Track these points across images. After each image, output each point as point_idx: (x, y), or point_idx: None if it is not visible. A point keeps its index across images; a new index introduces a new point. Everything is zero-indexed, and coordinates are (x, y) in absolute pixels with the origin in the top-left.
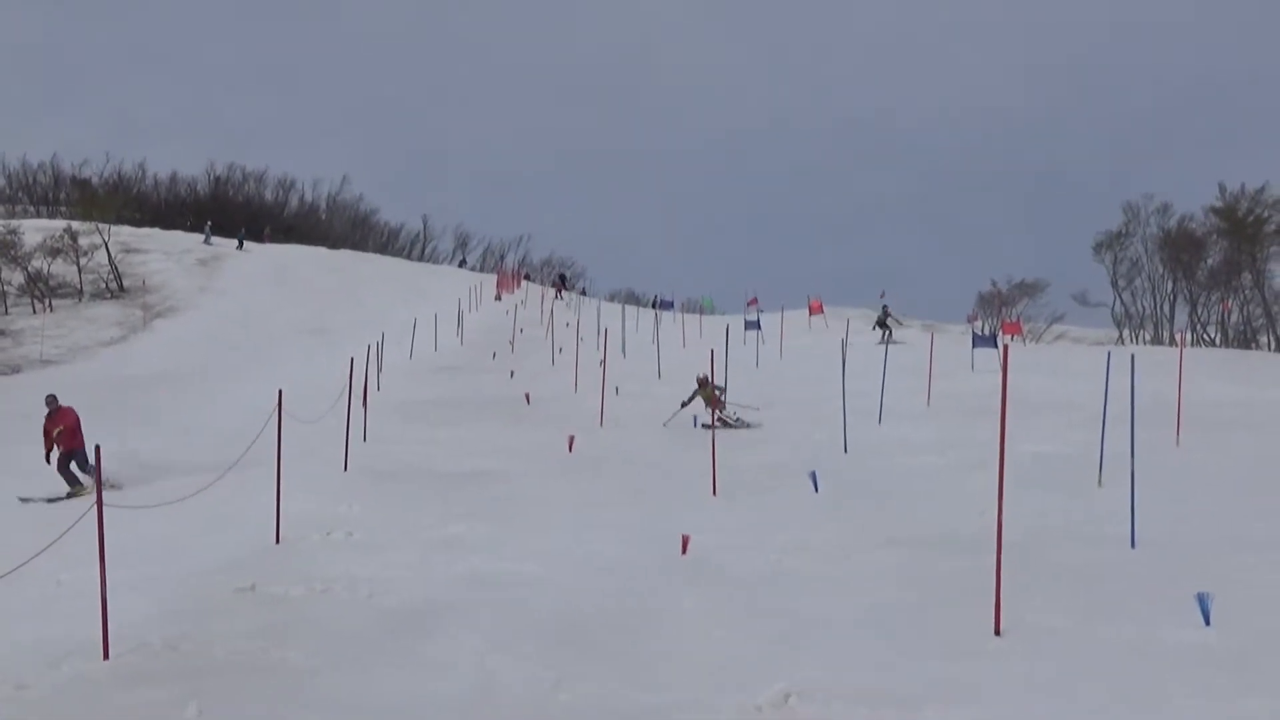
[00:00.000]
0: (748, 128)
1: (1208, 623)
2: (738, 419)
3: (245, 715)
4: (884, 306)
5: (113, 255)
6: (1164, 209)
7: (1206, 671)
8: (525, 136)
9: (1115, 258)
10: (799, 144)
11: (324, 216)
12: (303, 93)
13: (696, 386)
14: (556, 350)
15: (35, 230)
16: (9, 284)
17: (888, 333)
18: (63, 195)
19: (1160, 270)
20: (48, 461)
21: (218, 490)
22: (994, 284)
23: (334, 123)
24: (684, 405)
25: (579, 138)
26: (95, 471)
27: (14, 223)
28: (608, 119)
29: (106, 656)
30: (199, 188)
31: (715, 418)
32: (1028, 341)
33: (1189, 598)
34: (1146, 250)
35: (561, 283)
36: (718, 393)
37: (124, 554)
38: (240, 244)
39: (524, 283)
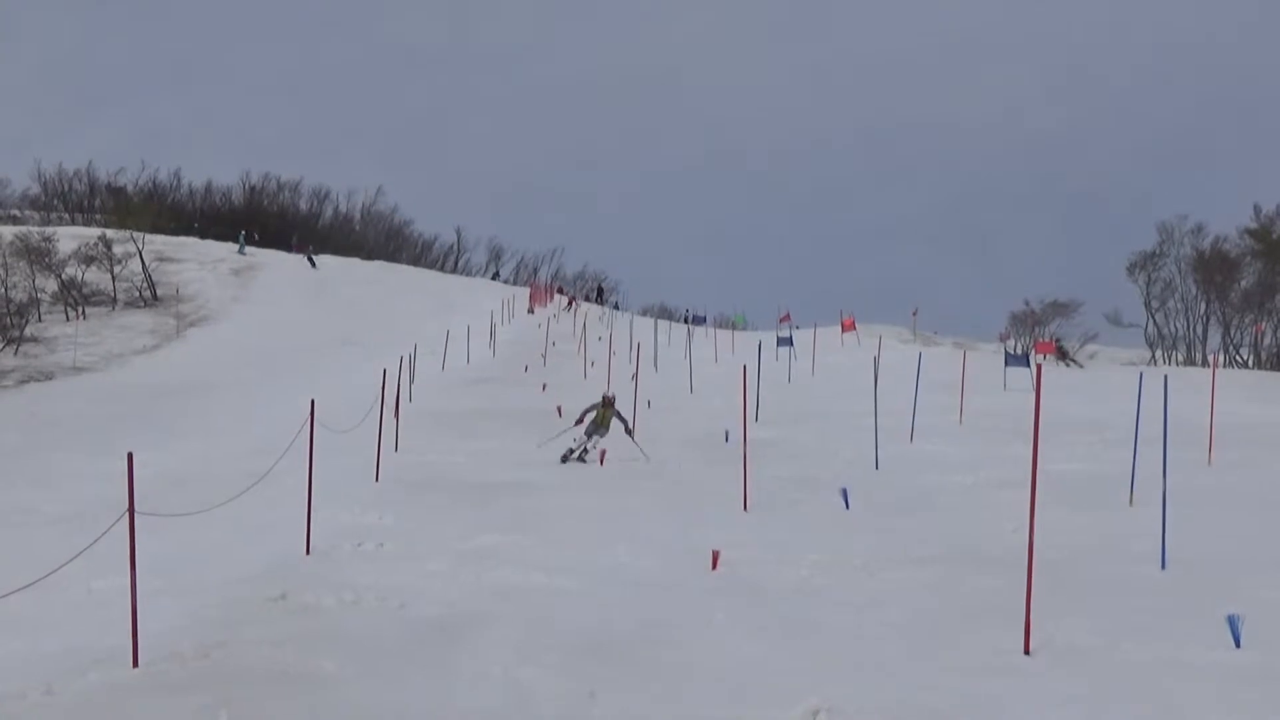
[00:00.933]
0: (780, 143)
1: (1238, 644)
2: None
3: None
4: (1056, 340)
5: (146, 264)
6: (1198, 230)
7: (1237, 692)
8: (559, 150)
9: (1149, 278)
10: (831, 160)
11: (358, 227)
12: (338, 104)
13: (600, 403)
14: (589, 364)
15: (70, 238)
16: (43, 291)
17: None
18: (98, 203)
19: (1194, 291)
20: None
21: (249, 500)
22: (1027, 303)
23: (369, 134)
24: (577, 423)
25: (613, 152)
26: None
27: (49, 230)
28: (642, 134)
29: (136, 664)
30: (234, 197)
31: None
32: (1059, 362)
33: (1220, 618)
34: (1180, 271)
35: (599, 295)
36: (620, 421)
37: (155, 562)
38: (312, 263)
39: (557, 296)
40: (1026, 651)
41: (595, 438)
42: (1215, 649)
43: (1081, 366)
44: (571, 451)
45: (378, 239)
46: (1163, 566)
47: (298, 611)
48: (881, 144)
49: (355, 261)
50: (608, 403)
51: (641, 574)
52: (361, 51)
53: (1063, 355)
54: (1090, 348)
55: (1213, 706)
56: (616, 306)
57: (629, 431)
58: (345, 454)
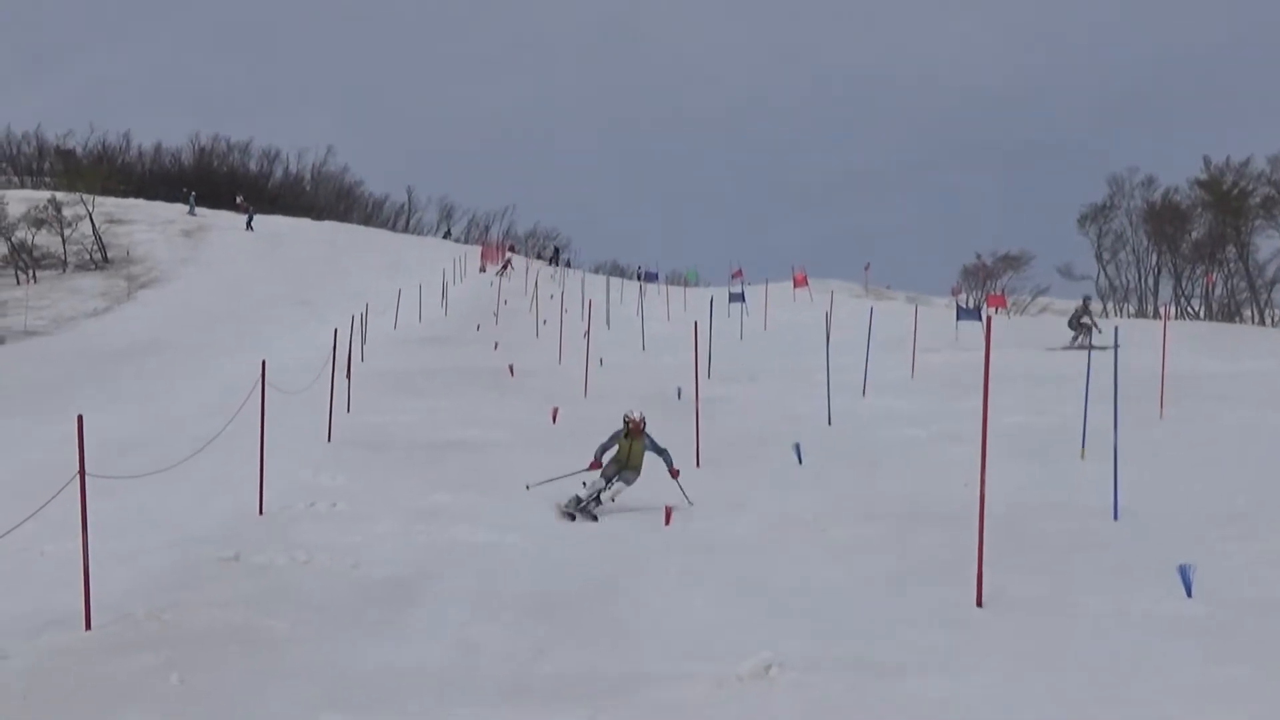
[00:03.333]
0: (733, 97)
1: (1189, 594)
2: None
3: (227, 683)
4: (1085, 299)
5: (97, 226)
6: (1149, 182)
7: (1188, 642)
8: (510, 107)
9: (1100, 230)
10: (783, 115)
11: (309, 188)
12: (288, 62)
13: (620, 431)
14: (541, 322)
15: (19, 201)
16: None
17: (1082, 335)
18: (47, 166)
19: (1144, 243)
20: None
21: (201, 461)
22: (978, 257)
23: (319, 93)
24: (592, 465)
25: (564, 109)
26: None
27: None
28: (593, 90)
29: (89, 626)
30: (183, 158)
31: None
32: (1011, 314)
33: (1171, 569)
34: (1131, 223)
35: (555, 257)
36: (657, 453)
37: (108, 525)
38: (249, 224)
39: (509, 254)
40: (979, 605)
41: (617, 483)
42: (1166, 600)
43: (1091, 344)
44: (580, 500)
45: (328, 199)
46: (1115, 519)
47: (250, 572)
48: (835, 98)
49: (305, 222)
50: (633, 429)
51: (594, 531)
52: (313, 8)
53: (1077, 323)
54: (1041, 300)
55: (1164, 655)
56: (569, 264)
57: (671, 471)
58: (297, 414)
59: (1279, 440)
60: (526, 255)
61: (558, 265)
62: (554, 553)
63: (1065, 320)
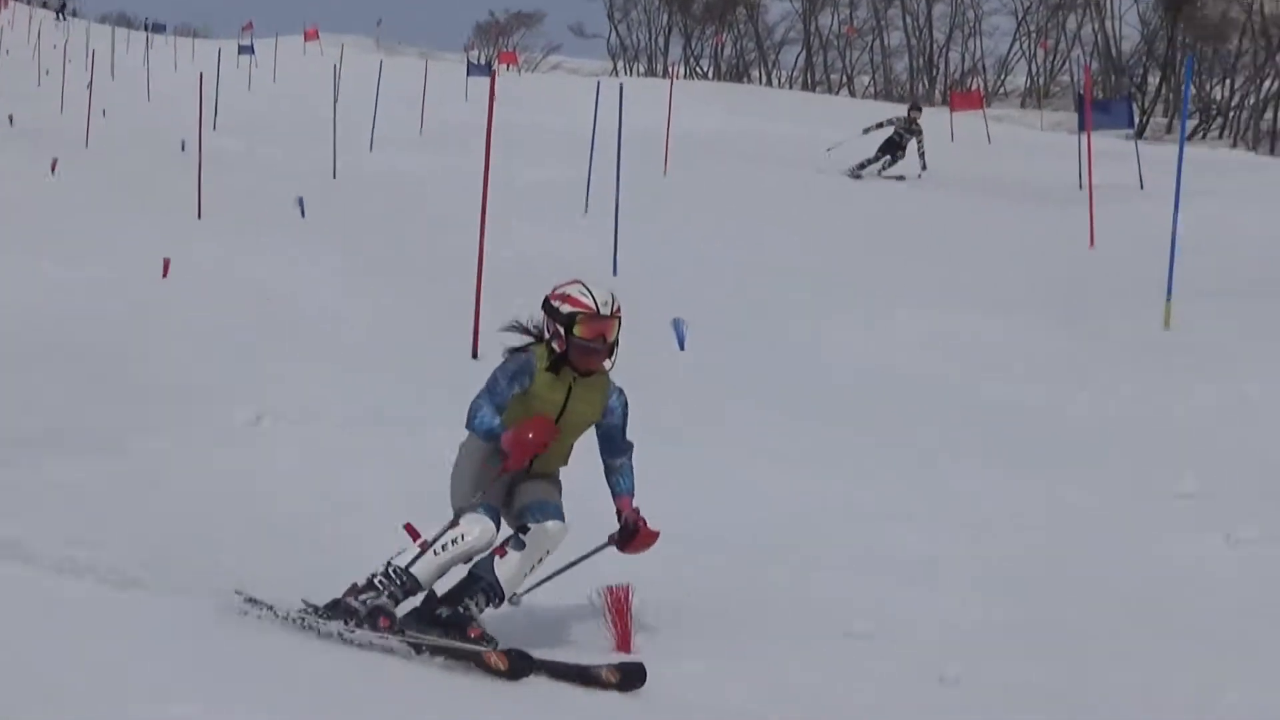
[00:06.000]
0: None
1: (682, 347)
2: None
3: None
4: (914, 107)
5: None
6: None
7: (681, 390)
8: None
9: None
10: None
11: None
12: None
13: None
14: (43, 72)
15: None
16: None
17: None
18: None
19: (656, 3)
20: None
21: None
22: (492, 14)
23: None
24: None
25: None
26: None
27: None
28: None
29: None
30: None
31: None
32: (523, 71)
33: (666, 323)
34: None
35: (62, 8)
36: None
37: None
38: None
39: (12, 3)
40: (474, 356)
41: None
42: (660, 352)
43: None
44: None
45: None
46: (615, 273)
47: None
48: None
49: None
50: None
51: (92, 280)
52: None
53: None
54: (553, 58)
55: (652, 400)
56: (75, 14)
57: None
58: None
59: (773, 196)
60: (30, 4)
61: (64, 18)
62: (50, 301)
63: (574, 77)
